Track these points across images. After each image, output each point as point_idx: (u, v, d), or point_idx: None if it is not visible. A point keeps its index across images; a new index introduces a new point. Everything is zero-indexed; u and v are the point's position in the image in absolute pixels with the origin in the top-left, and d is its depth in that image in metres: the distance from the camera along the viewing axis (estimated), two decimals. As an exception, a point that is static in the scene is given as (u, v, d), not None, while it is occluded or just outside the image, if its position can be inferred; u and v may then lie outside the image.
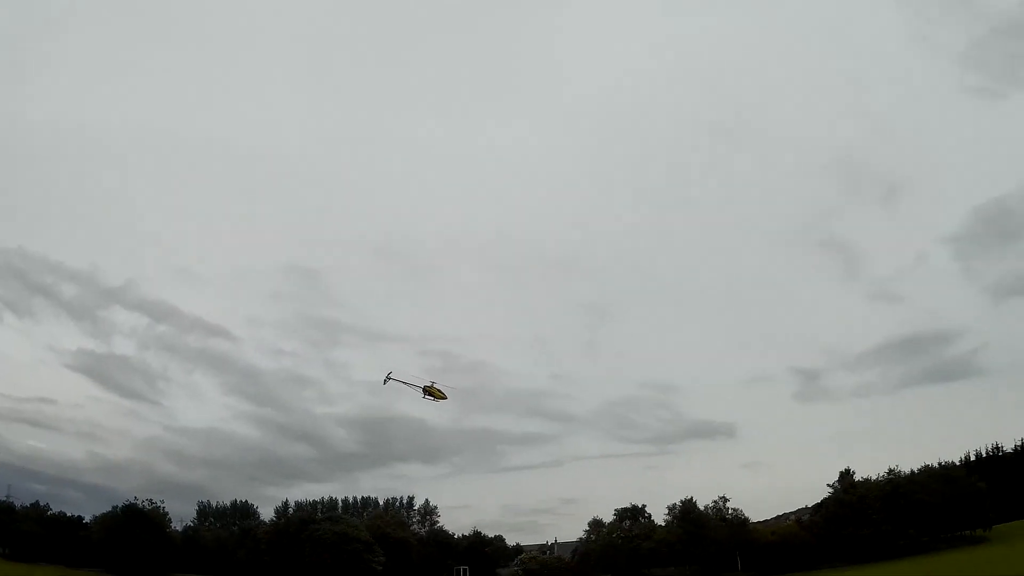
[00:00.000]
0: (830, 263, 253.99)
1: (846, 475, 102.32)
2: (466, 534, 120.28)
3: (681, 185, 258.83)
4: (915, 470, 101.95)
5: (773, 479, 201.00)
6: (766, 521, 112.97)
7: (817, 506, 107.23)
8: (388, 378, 78.43)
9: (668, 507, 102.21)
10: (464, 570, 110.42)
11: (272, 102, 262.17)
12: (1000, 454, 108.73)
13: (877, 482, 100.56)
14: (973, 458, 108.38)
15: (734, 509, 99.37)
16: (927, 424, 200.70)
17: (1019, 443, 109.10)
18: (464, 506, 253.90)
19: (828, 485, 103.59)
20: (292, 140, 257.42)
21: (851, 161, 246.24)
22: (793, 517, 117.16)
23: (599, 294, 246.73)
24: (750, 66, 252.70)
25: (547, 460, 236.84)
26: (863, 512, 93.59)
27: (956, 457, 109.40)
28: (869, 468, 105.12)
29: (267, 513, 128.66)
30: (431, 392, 79.11)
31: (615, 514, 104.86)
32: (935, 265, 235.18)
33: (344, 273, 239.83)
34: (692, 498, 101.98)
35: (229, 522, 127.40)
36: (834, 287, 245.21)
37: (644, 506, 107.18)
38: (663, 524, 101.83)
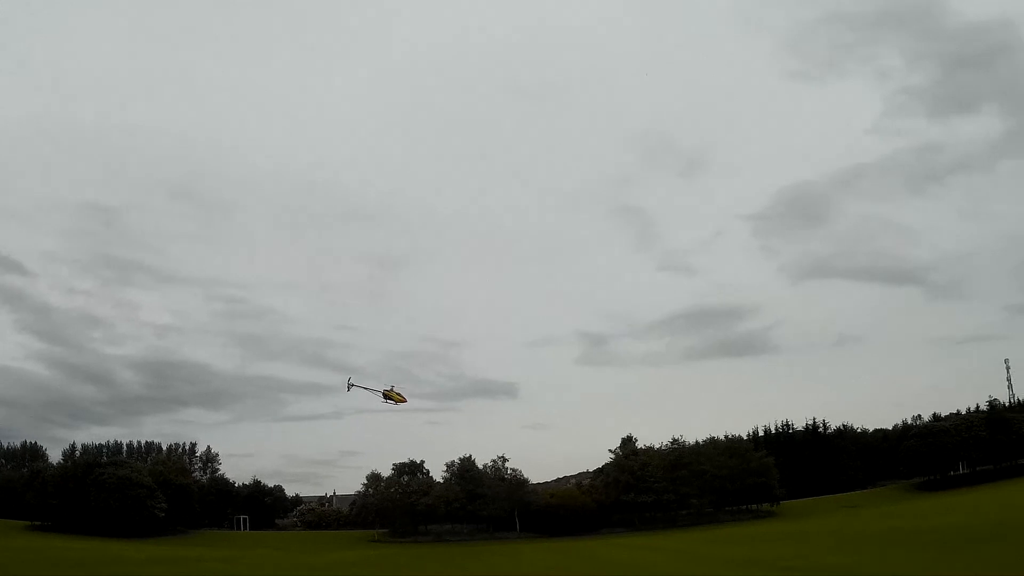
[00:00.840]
0: (625, 231, 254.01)
1: (628, 442, 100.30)
2: (247, 483, 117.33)
3: (487, 145, 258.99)
4: (700, 441, 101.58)
5: (555, 442, 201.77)
6: (546, 483, 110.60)
7: (598, 471, 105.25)
8: (350, 384, 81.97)
9: (447, 464, 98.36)
10: (244, 519, 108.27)
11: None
12: (790, 431, 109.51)
13: (660, 451, 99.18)
14: (762, 433, 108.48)
15: (513, 469, 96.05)
16: (716, 397, 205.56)
17: (810, 421, 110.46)
18: (247, 454, 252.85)
19: (610, 451, 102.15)
20: (99, 77, 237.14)
21: (657, 133, 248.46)
22: (573, 481, 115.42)
23: (391, 246, 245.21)
24: (569, 35, 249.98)
25: (329, 412, 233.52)
26: (645, 479, 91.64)
27: (745, 431, 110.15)
28: (652, 436, 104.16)
29: (56, 455, 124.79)
30: (390, 396, 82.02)
31: (393, 468, 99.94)
32: (733, 241, 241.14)
33: (142, 213, 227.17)
34: (471, 456, 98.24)
35: (19, 463, 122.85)
36: (627, 255, 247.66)
37: (423, 461, 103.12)
38: (441, 481, 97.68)
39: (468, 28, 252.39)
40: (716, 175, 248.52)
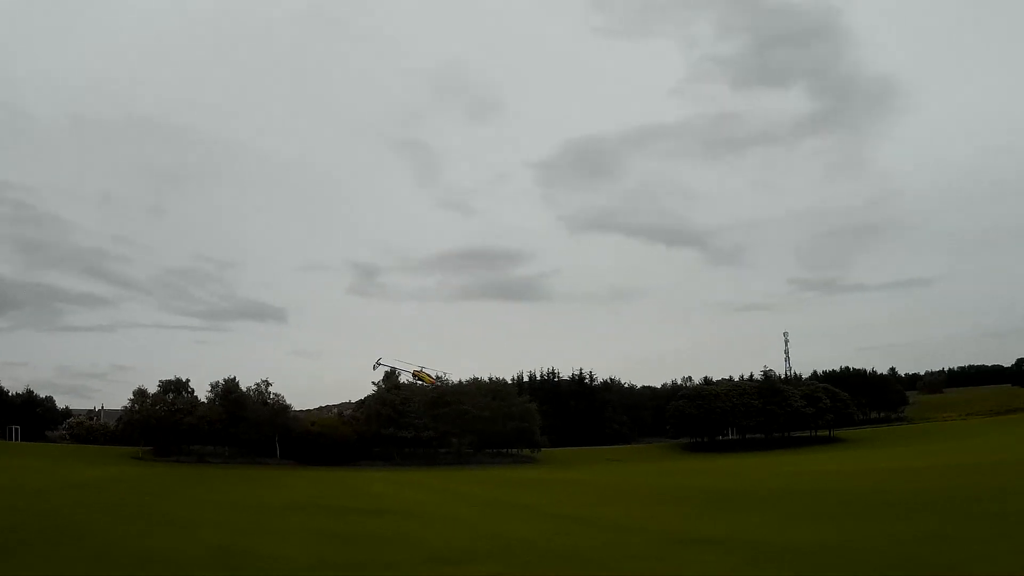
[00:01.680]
0: (407, 166, 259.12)
1: (392, 375, 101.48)
2: (20, 392, 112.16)
3: (280, 72, 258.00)
4: (464, 380, 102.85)
5: (321, 370, 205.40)
6: (309, 411, 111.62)
7: (360, 402, 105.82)
8: (378, 363, 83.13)
9: (211, 384, 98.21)
10: (16, 429, 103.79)
11: None
12: (556, 380, 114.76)
13: (423, 387, 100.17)
14: (527, 379, 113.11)
15: (276, 394, 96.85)
16: (485, 339, 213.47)
17: (577, 372, 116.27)
18: (22, 363, 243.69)
19: (373, 383, 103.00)
20: None
21: (452, 72, 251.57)
22: (336, 410, 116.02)
23: (176, 163, 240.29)
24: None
25: (103, 324, 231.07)
26: (406, 415, 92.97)
27: (511, 375, 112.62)
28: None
29: None
30: (419, 376, 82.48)
31: (159, 385, 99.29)
32: (516, 187, 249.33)
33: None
34: (235, 377, 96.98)
35: None
36: (408, 190, 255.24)
37: (188, 380, 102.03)
38: (205, 401, 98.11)
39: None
40: (507, 120, 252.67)
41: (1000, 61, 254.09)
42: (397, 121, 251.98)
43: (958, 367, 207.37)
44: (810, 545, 16.86)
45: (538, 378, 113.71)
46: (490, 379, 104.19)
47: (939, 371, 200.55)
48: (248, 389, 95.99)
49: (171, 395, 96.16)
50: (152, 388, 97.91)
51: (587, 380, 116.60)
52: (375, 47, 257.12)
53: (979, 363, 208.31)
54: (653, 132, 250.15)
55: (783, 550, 16.42)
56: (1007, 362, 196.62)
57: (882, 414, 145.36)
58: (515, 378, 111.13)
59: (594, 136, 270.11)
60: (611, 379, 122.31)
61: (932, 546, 15.72)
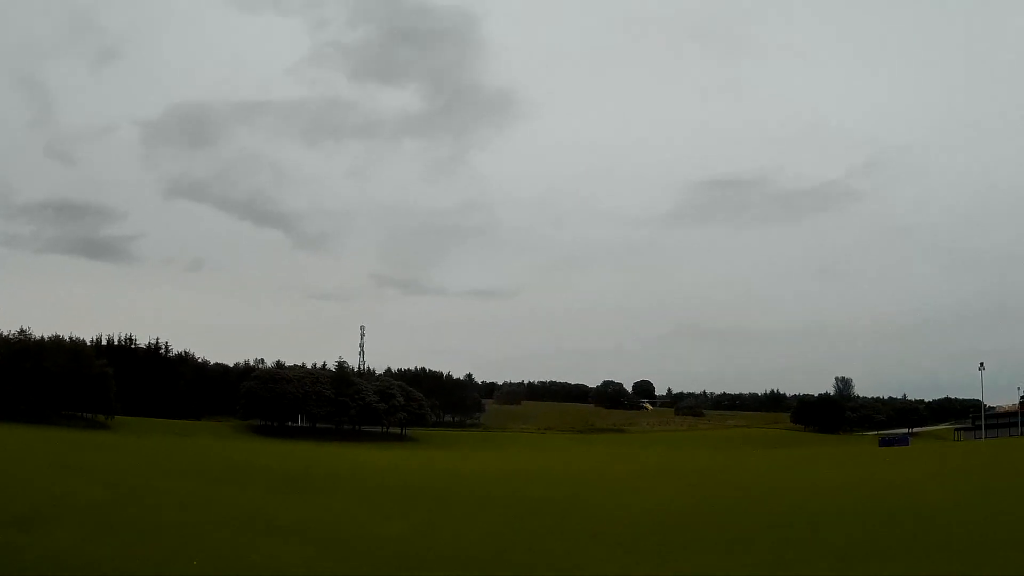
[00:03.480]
0: (22, 105, 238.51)
1: None
2: None
3: None
4: (47, 337, 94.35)
5: None
6: None
7: None
8: None
9: None
10: None
11: None
12: (133, 347, 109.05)
13: (7, 337, 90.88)
14: (106, 343, 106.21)
15: None
16: (69, 294, 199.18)
17: (153, 341, 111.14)
18: None
19: None
20: None
21: (80, 8, 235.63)
22: None
23: None
24: None
25: None
26: None
27: (91, 336, 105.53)
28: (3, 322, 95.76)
29: None
30: None
31: None
32: (121, 142, 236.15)
33: None
34: None
35: None
36: (19, 130, 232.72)
37: None
38: None
39: None
40: (126, 70, 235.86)
41: (611, 93, 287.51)
42: (18, 57, 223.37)
43: (538, 381, 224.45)
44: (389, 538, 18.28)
45: (116, 343, 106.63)
46: (71, 338, 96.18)
47: (519, 383, 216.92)
48: None
49: None
50: None
51: (163, 351, 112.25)
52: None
53: (562, 380, 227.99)
54: (261, 108, 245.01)
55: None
56: (592, 382, 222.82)
57: (457, 418, 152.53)
58: (94, 340, 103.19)
59: (201, 103, 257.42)
60: (186, 352, 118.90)
61: (492, 543, 18.20)
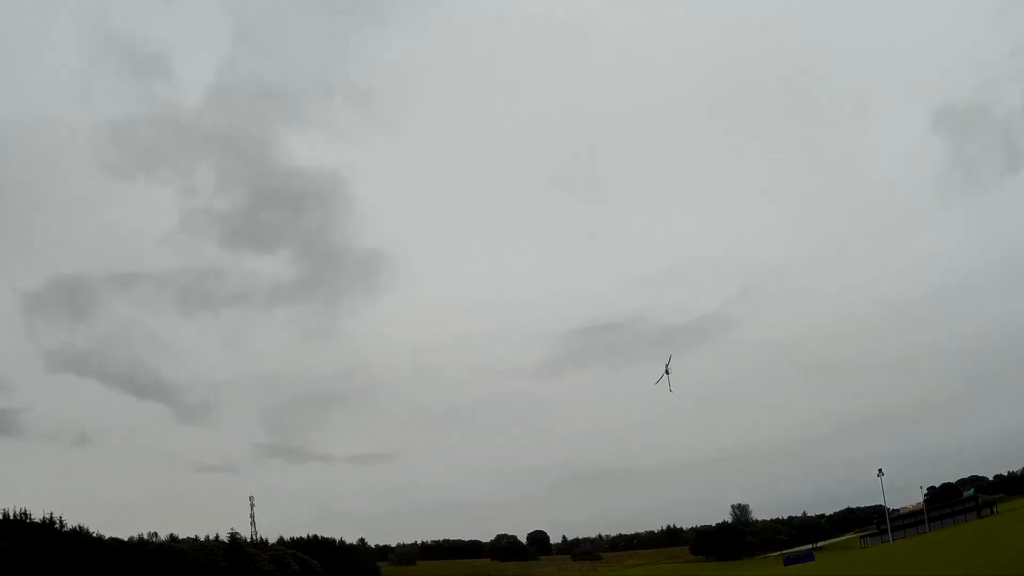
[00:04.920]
0: None
1: None
2: None
3: None
4: None
5: None
6: None
7: None
8: None
9: None
10: None
11: None
12: (28, 520, 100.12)
13: None
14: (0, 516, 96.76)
15: None
16: None
17: (47, 515, 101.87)
18: None
19: None
20: None
21: None
22: None
23: None
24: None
25: None
26: None
27: None
28: None
29: None
30: None
31: None
32: (2, 312, 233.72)
33: None
34: None
35: None
36: None
37: None
38: None
39: None
40: (2, 241, 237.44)
41: (479, 246, 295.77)
42: None
43: (431, 540, 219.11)
44: None
45: (11, 517, 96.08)
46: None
47: (412, 543, 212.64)
48: None
49: None
50: None
51: (57, 525, 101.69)
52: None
53: (455, 536, 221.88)
54: (136, 278, 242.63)
55: None
56: (486, 537, 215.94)
57: None
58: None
59: (78, 274, 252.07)
60: (80, 526, 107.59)
61: None
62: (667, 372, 71.10)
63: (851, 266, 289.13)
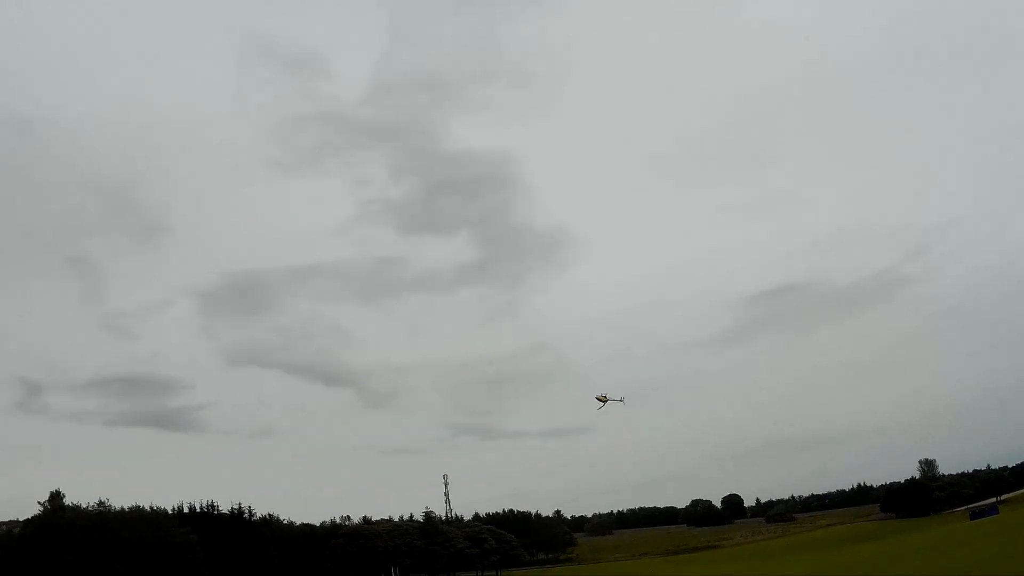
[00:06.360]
0: (72, 282, 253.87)
1: (57, 496, 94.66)
2: None
3: None
4: (126, 507, 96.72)
5: None
6: None
7: (28, 521, 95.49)
8: None
9: None
10: None
11: None
12: (216, 513, 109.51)
13: (87, 511, 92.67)
14: (187, 510, 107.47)
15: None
16: (143, 465, 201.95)
17: (235, 506, 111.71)
18: None
19: (39, 503, 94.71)
20: None
21: (120, 186, 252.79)
22: (5, 527, 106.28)
23: None
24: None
25: None
26: (72, 538, 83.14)
27: (170, 505, 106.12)
28: (81, 495, 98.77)
29: None
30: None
31: None
32: (178, 314, 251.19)
33: None
34: None
35: None
36: (72, 307, 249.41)
37: None
38: None
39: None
40: (173, 245, 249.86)
41: (651, 222, 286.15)
42: (67, 234, 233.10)
43: (627, 509, 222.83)
44: None
45: (198, 510, 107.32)
46: (151, 508, 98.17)
47: (607, 513, 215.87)
48: None
49: None
50: None
51: (246, 515, 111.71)
52: (44, 155, 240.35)
53: (651, 505, 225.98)
54: (314, 271, 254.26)
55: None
56: (681, 503, 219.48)
57: (550, 555, 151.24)
58: (175, 508, 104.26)
59: (255, 269, 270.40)
60: (270, 515, 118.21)
61: None
62: (603, 401, 65.90)
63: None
